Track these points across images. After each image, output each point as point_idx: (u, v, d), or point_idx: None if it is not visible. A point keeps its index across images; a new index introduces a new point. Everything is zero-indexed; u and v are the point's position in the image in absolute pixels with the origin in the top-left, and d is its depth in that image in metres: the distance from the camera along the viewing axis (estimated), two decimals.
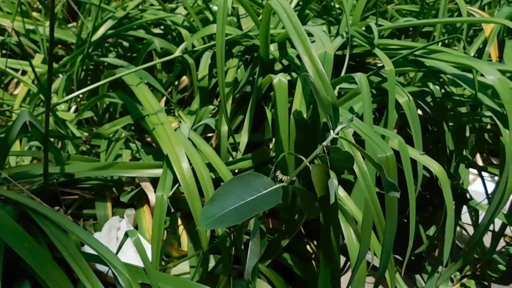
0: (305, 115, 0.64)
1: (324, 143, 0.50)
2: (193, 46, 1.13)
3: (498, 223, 0.98)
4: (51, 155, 0.80)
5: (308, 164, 0.52)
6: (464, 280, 1.01)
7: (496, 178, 1.18)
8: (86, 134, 0.96)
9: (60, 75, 1.30)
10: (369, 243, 0.64)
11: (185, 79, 1.10)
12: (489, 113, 0.79)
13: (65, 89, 1.23)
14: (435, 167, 0.74)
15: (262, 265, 0.78)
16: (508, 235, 1.19)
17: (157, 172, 0.75)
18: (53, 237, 0.55)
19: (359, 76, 0.65)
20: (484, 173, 1.09)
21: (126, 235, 0.57)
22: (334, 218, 0.65)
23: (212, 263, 0.75)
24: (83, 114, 1.11)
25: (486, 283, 1.02)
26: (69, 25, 1.47)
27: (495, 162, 1.34)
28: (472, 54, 1.04)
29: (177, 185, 0.71)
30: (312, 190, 0.57)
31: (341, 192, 0.77)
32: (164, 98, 1.07)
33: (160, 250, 0.69)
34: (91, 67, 1.33)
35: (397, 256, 1.02)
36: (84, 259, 0.55)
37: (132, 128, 1.05)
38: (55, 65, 1.35)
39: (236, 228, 0.62)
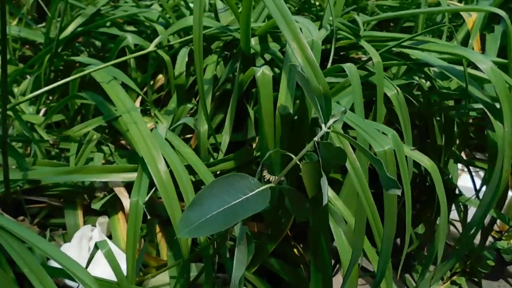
0: (291, 111, 0.60)
1: (316, 138, 0.45)
2: (169, 42, 1.07)
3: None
4: (14, 161, 0.73)
5: (298, 162, 0.47)
6: (454, 277, 0.99)
7: (481, 173, 1.17)
8: (54, 137, 0.89)
9: (28, 77, 1.22)
10: (362, 245, 0.60)
11: (161, 78, 1.04)
12: (479, 105, 0.76)
13: (33, 91, 1.15)
14: (427, 162, 0.71)
15: (248, 272, 0.73)
16: (494, 229, 1.18)
17: (132, 176, 0.69)
18: (12, 251, 0.49)
19: (349, 66, 0.61)
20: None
21: (96, 247, 0.51)
22: (325, 220, 0.61)
23: (194, 272, 0.70)
24: (53, 117, 1.03)
25: (476, 279, 1.00)
26: (39, 25, 1.38)
27: (477, 157, 1.33)
28: None
29: (153, 189, 0.65)
30: (300, 191, 0.52)
31: (329, 192, 0.73)
32: (140, 98, 1.01)
33: (137, 260, 0.63)
34: (61, 67, 1.25)
35: None
36: (48, 275, 0.49)
37: (106, 131, 0.99)
38: (21, 66, 1.26)
39: (220, 233, 0.57)
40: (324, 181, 0.46)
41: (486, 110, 0.73)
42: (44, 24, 1.38)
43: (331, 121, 0.46)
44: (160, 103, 1.02)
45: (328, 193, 0.72)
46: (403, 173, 0.57)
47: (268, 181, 0.49)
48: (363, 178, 0.53)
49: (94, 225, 0.72)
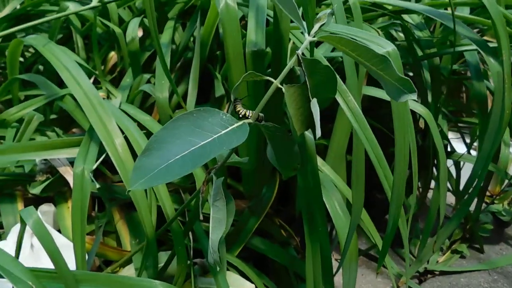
0: (263, 46, 0.50)
1: (299, 51, 0.36)
2: (121, 20, 0.96)
3: None
4: None
5: (280, 85, 0.37)
6: (455, 245, 0.91)
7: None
8: None
9: None
10: (363, 198, 0.51)
11: (113, 56, 0.92)
12: (471, 47, 0.69)
13: None
14: (421, 110, 0.63)
15: (231, 255, 0.61)
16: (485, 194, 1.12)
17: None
18: None
19: None
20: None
21: (23, 222, 0.39)
22: (316, 174, 0.51)
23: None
24: None
25: (477, 245, 0.93)
26: None
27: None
28: None
29: (103, 155, 0.53)
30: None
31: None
32: (91, 79, 0.88)
33: (90, 251, 0.51)
34: (3, 65, 1.10)
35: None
36: None
37: (58, 127, 0.85)
38: None
39: (191, 197, 0.46)
40: (315, 106, 0.36)
41: (479, 49, 0.66)
42: None
43: (316, 27, 0.36)
44: (115, 83, 0.90)
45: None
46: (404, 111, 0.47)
47: (244, 117, 0.39)
48: (358, 110, 0.44)
49: None
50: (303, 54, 0.38)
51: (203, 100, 0.77)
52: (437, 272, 0.84)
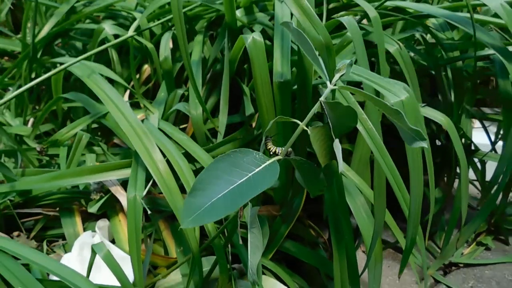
0: (289, 77, 0.54)
1: (322, 98, 0.40)
2: (152, 32, 1.02)
3: None
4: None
5: (305, 128, 0.42)
6: (480, 237, 0.94)
7: (491, 128, 1.12)
8: (41, 144, 0.83)
9: (10, 89, 1.17)
10: (384, 213, 0.55)
11: (147, 68, 0.99)
12: (487, 52, 0.70)
13: (16, 102, 1.09)
14: (441, 118, 0.66)
15: (265, 259, 0.68)
16: None
17: (128, 172, 0.64)
18: (4, 270, 0.44)
19: (348, 20, 0.55)
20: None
21: (94, 252, 0.46)
22: (341, 191, 0.56)
23: (207, 268, 0.65)
24: (42, 127, 0.98)
25: (502, 237, 0.95)
26: (18, 36, 1.32)
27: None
28: None
29: (151, 181, 0.60)
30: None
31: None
32: (127, 92, 0.95)
33: (143, 262, 0.59)
34: (43, 75, 1.19)
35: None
36: None
37: (99, 133, 0.93)
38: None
39: (229, 220, 0.52)
40: (337, 145, 0.41)
41: (498, 55, 0.68)
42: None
43: (336, 77, 0.40)
44: (150, 94, 0.96)
45: None
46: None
47: (275, 154, 0.44)
48: (377, 137, 0.48)
49: (94, 231, 0.67)
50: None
51: (233, 110, 0.83)
52: (461, 265, 0.88)
